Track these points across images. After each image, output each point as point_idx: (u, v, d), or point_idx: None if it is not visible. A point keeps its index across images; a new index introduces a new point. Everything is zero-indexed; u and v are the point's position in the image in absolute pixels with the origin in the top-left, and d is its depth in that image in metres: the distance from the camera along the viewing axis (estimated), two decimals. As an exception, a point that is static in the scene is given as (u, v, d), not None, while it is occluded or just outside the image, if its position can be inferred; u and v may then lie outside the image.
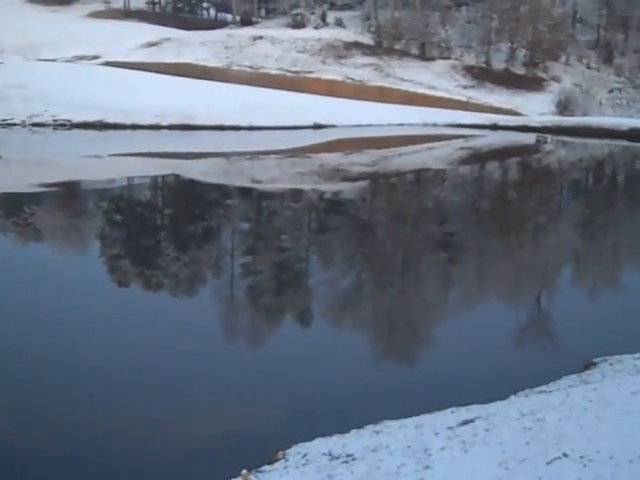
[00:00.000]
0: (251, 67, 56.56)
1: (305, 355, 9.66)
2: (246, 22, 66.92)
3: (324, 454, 6.14)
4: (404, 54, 62.45)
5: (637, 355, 8.66)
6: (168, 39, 61.40)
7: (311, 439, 6.57)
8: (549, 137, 47.67)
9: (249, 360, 9.65)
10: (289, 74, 56.24)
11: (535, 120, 53.35)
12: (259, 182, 25.80)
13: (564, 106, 58.78)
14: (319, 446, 6.35)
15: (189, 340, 9.99)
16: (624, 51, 74.91)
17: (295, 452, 6.31)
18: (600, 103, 62.85)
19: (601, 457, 4.73)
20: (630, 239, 19.39)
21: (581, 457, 4.78)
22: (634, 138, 47.39)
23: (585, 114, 57.26)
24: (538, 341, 10.86)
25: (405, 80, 58.16)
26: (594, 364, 8.68)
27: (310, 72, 56.70)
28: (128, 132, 35.43)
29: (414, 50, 63.29)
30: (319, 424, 7.26)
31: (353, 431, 6.70)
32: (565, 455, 4.87)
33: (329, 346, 10.25)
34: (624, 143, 46.55)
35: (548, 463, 4.81)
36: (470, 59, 64.30)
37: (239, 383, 8.58)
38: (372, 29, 64.24)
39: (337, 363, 9.42)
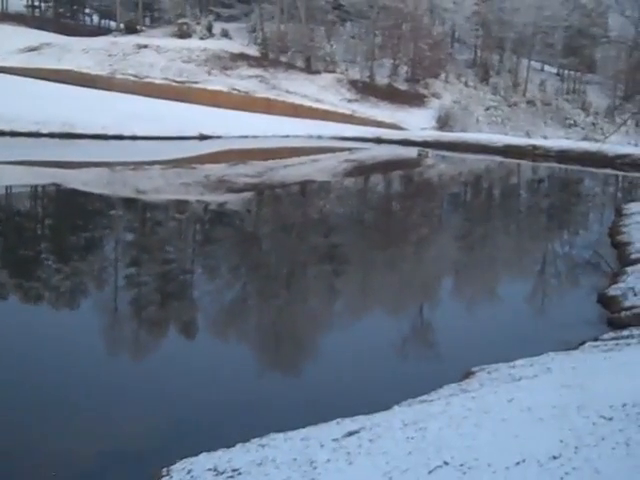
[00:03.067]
0: (136, 76, 55.70)
1: (190, 368, 9.54)
2: (130, 30, 65.92)
3: (209, 469, 6.07)
4: (290, 66, 62.93)
5: (512, 364, 8.97)
6: (48, 44, 59.79)
7: (196, 454, 6.47)
8: (430, 151, 49.00)
9: (133, 374, 9.47)
10: (174, 84, 55.76)
11: (417, 134, 54.76)
12: (143, 192, 25.38)
13: (444, 122, 60.63)
14: (204, 461, 6.27)
15: (70, 355, 9.72)
16: (499, 71, 77.99)
17: (180, 468, 6.22)
18: (477, 120, 65.09)
19: (479, 464, 4.89)
20: (505, 251, 20.15)
21: (461, 465, 4.93)
22: (508, 154, 49.38)
23: (464, 130, 59.23)
24: (420, 351, 11.11)
25: (291, 92, 58.60)
26: (473, 373, 8.93)
27: (196, 82, 56.38)
28: (6, 139, 34.18)
29: (300, 63, 63.84)
30: (204, 439, 7.18)
31: (239, 445, 6.64)
32: (446, 463, 5.00)
33: (215, 359, 10.19)
34: (499, 159, 48.38)
35: (430, 472, 4.93)
36: (354, 73, 65.38)
37: (123, 398, 8.40)
38: (258, 41, 64.46)
39: (223, 376, 9.36)
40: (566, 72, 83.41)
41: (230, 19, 69.25)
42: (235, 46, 63.57)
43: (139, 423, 7.81)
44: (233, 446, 6.62)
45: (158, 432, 7.71)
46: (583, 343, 10.38)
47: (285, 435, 6.68)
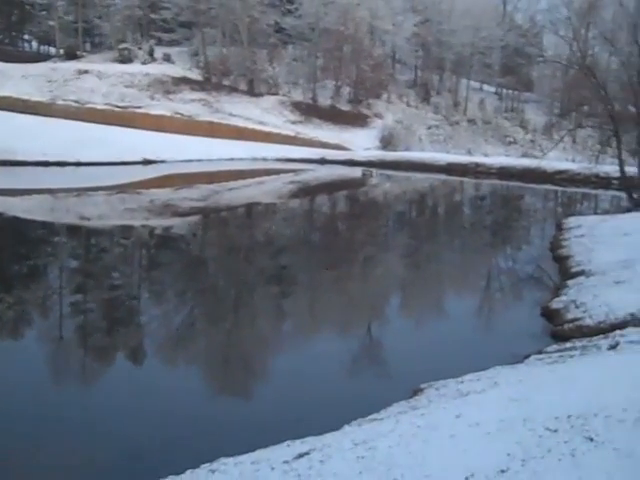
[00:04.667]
0: (77, 102, 55.11)
1: (138, 395, 9.44)
2: (71, 56, 65.26)
3: (158, 497, 6.02)
4: (233, 90, 63.04)
5: (460, 379, 9.07)
6: (-14, 71, 58.79)
7: (145, 484, 6.42)
8: (374, 171, 49.43)
9: (78, 404, 9.30)
10: (117, 109, 55.34)
11: (361, 155, 55.27)
12: (87, 219, 25.06)
13: (387, 141, 61.31)
14: (153, 490, 6.22)
15: (14, 385, 9.55)
16: (440, 90, 79.25)
17: (128, 497, 6.15)
18: (420, 139, 65.96)
19: (429, 481, 4.95)
20: (451, 268, 20.38)
21: (411, 482, 4.98)
22: (451, 172, 50.15)
23: (407, 149, 60.03)
24: (369, 370, 11.15)
25: (234, 115, 58.64)
26: (421, 390, 9.00)
27: (138, 107, 56.04)
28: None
29: (243, 86, 64.00)
30: (152, 467, 7.11)
31: (188, 472, 6.57)
32: (396, 481, 5.05)
33: (163, 384, 10.10)
34: (442, 177, 49.05)
35: (380, 490, 4.97)
36: (297, 95, 65.78)
37: (66, 429, 8.27)
38: (200, 65, 64.48)
39: (171, 402, 9.28)
40: (504, 91, 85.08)
41: (172, 43, 69.11)
42: (177, 70, 63.42)
43: (82, 454, 7.66)
44: (182, 473, 6.56)
45: (104, 462, 7.59)
46: (528, 356, 10.55)
47: (235, 459, 6.64)
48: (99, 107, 55.12)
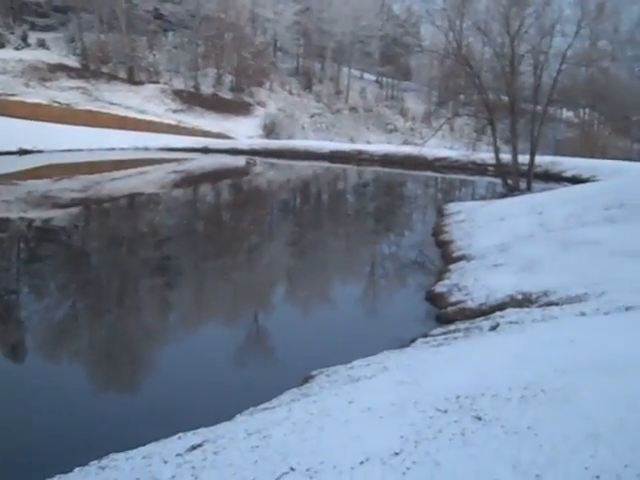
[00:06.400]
0: (-56, 89, 52.50)
1: (18, 392, 9.15)
2: (-64, 40, 62.11)
3: (45, 498, 5.84)
4: (112, 77, 61.61)
5: (350, 365, 9.19)
6: None
7: (31, 483, 6.22)
8: (258, 159, 49.40)
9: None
10: (-12, 96, 53.00)
11: (244, 143, 55.16)
12: (-42, 212, 24.02)
13: (270, 129, 61.39)
14: (40, 491, 6.03)
15: None
16: (322, 79, 79.88)
17: (14, 499, 5.94)
18: (303, 127, 66.36)
19: (325, 467, 4.99)
20: (336, 255, 20.61)
21: (307, 470, 5.01)
22: (334, 160, 50.70)
23: (290, 137, 60.26)
24: (258, 359, 11.15)
25: (114, 104, 57.36)
26: (312, 377, 9.07)
27: (12, 95, 53.85)
28: None
29: (122, 74, 62.65)
30: (38, 466, 6.89)
31: (77, 469, 6.39)
32: (292, 469, 5.07)
33: (45, 380, 9.77)
34: (326, 164, 49.52)
35: (276, 479, 4.99)
36: (179, 83, 64.92)
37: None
38: (77, 51, 62.62)
39: (55, 399, 9.02)
40: (384, 79, 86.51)
41: (46, 29, 66.73)
42: (53, 57, 61.39)
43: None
44: (71, 471, 6.38)
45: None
46: (415, 340, 10.79)
47: (126, 454, 6.51)
48: (-31, 94, 52.78)
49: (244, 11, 68.44)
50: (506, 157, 33.33)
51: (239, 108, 65.24)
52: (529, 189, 31.61)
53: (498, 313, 11.38)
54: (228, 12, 65.52)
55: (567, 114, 78.39)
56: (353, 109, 74.84)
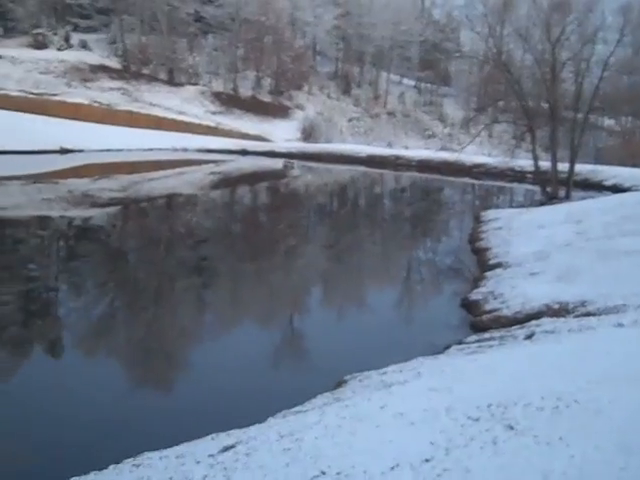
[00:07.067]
0: (-11, 88, 53.32)
1: (57, 389, 9.27)
2: (-18, 40, 63.18)
3: (80, 494, 5.92)
4: (152, 79, 62.17)
5: (383, 370, 9.18)
6: None
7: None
8: (295, 162, 49.50)
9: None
10: (32, 96, 53.77)
11: (282, 146, 55.30)
12: (2, 209, 24.38)
13: (308, 133, 61.47)
14: (74, 487, 6.11)
15: None
16: (360, 83, 79.85)
17: (51, 495, 6.03)
18: (341, 131, 66.38)
19: (356, 472, 5.00)
20: (372, 260, 20.59)
21: (337, 473, 5.03)
22: (371, 164, 50.66)
23: (328, 141, 60.29)
24: (292, 362, 11.19)
25: (154, 105, 57.87)
26: (345, 381, 9.08)
27: (54, 95, 54.65)
28: None
29: (162, 75, 63.20)
30: (74, 463, 6.98)
31: (111, 467, 6.47)
32: (323, 473, 5.09)
33: (83, 378, 9.92)
34: (363, 169, 49.47)
35: (308, 481, 5.02)
36: (218, 85, 65.33)
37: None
38: (119, 53, 63.29)
39: (92, 396, 9.14)
40: (423, 85, 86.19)
41: (89, 30, 67.61)
42: (95, 58, 62.14)
43: (6, 449, 7.50)
44: (105, 468, 6.47)
45: (24, 460, 7.42)
46: (449, 347, 10.76)
47: (159, 453, 6.58)
48: (13, 93, 53.46)
49: (284, 14, 68.71)
50: (545, 165, 33.04)
51: (278, 111, 65.47)
52: (568, 197, 31.29)
53: (534, 322, 11.29)
54: (268, 15, 65.80)
55: (608, 122, 77.46)
56: (391, 114, 74.71)
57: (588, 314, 11.37)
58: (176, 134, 52.97)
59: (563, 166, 32.23)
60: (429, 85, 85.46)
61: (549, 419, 5.43)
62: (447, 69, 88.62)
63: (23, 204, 25.93)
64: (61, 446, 7.72)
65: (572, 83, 33.40)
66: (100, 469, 6.46)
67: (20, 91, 54.18)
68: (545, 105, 33.28)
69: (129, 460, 6.57)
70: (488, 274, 15.87)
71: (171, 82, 63.02)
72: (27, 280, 15.20)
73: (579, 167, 34.39)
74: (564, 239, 18.11)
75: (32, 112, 49.48)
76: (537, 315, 11.86)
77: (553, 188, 32.14)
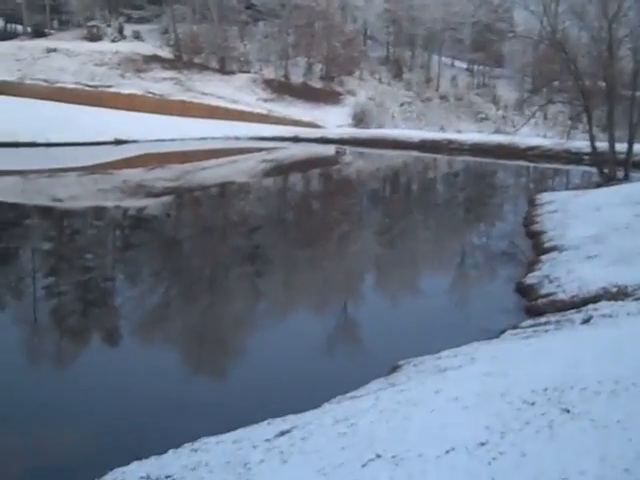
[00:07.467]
0: (46, 81, 54.23)
1: (117, 376, 9.44)
2: (38, 33, 64.23)
3: (142, 477, 6.00)
4: (204, 68, 62.50)
5: (437, 355, 9.16)
6: (-48, 51, 57.69)
7: (127, 463, 6.39)
8: (347, 148, 49.35)
9: (57, 386, 9.31)
10: (87, 88, 54.59)
11: (333, 132, 55.13)
12: (59, 200, 24.87)
13: (360, 119, 61.12)
14: (136, 470, 6.20)
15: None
16: (412, 67, 79.12)
17: (111, 479, 6.16)
18: (393, 116, 65.89)
19: (411, 455, 5.01)
20: (426, 245, 20.50)
21: (393, 457, 5.04)
22: (424, 149, 50.21)
23: (380, 126, 59.89)
24: (347, 348, 11.22)
25: (206, 94, 58.19)
26: (399, 367, 9.07)
27: (109, 86, 55.38)
28: None
29: (214, 64, 63.48)
30: (135, 447, 7.09)
31: (171, 451, 6.58)
32: (378, 456, 5.10)
33: (141, 365, 10.10)
34: (415, 154, 49.11)
35: (363, 466, 5.03)
36: (269, 73, 65.37)
37: (47, 412, 8.25)
38: (171, 43, 63.79)
39: (151, 382, 9.30)
40: (476, 67, 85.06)
41: (141, 21, 68.28)
42: (148, 48, 62.71)
43: (66, 436, 7.67)
44: (165, 452, 6.57)
45: (87, 444, 7.59)
46: (504, 331, 10.67)
47: (217, 438, 6.67)
48: (69, 86, 54.33)
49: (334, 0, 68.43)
50: (602, 145, 32.35)
51: (329, 97, 65.30)
52: (627, 178, 30.61)
53: (591, 306, 11.11)
54: (318, 1, 65.55)
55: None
56: (443, 97, 73.93)
57: (647, 297, 11.16)
58: (228, 122, 53.17)
59: (621, 146, 31.49)
60: (482, 67, 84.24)
61: (606, 403, 5.36)
62: (500, 50, 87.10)
63: (80, 195, 26.41)
64: (122, 431, 7.88)
65: (630, 60, 32.53)
66: (160, 453, 6.56)
67: (76, 83, 55.02)
68: (602, 84, 32.53)
69: (187, 445, 6.67)
70: (543, 258, 15.66)
71: (223, 71, 63.27)
72: (85, 270, 15.50)
73: (638, 147, 33.58)
74: (622, 221, 17.75)
75: (88, 104, 50.23)
76: (594, 299, 11.67)
77: (611, 169, 31.46)
